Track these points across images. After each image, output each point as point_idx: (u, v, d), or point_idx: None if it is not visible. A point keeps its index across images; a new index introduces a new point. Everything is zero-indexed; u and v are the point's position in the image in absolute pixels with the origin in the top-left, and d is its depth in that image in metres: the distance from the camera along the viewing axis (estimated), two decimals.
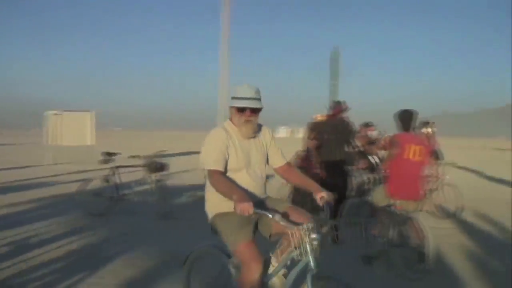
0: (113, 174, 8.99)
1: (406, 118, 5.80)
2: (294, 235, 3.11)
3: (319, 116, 7.76)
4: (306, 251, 3.08)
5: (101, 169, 9.91)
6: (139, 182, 9.16)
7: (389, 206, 5.73)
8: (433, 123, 9.10)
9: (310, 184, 3.62)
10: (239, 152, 3.49)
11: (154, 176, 8.93)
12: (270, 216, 3.08)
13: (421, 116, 6.55)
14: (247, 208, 2.99)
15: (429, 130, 8.87)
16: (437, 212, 9.10)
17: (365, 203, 6.41)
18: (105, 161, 9.07)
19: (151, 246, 6.61)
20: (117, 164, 9.10)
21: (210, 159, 3.39)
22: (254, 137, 3.60)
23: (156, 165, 8.90)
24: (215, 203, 3.57)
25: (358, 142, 8.15)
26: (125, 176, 9.40)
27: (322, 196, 3.42)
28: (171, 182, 13.23)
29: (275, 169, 3.78)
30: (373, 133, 8.32)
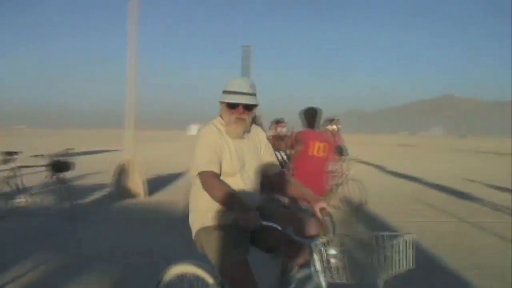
0: (14, 175, 8.56)
1: (310, 116, 5.96)
2: (308, 252, 2.72)
3: None
4: (318, 270, 2.66)
5: (0, 170, 9.43)
6: (43, 183, 8.77)
7: (295, 202, 5.86)
8: (338, 120, 9.42)
9: (307, 194, 3.17)
10: (233, 154, 3.06)
11: (59, 176, 8.61)
12: (280, 229, 2.68)
13: (327, 114, 6.75)
14: (253, 220, 2.58)
15: (334, 127, 9.17)
16: (342, 207, 9.43)
17: (272, 200, 6.52)
18: (5, 161, 8.60)
19: (54, 249, 6.35)
20: (18, 164, 8.67)
21: (203, 160, 2.94)
22: (245, 137, 3.18)
23: (61, 165, 8.57)
24: (203, 214, 3.06)
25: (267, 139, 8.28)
26: (28, 177, 8.99)
27: (322, 207, 2.97)
28: (78, 182, 12.84)
29: (267, 176, 3.29)
30: (283, 130, 8.47)
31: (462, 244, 6.98)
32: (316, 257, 2.66)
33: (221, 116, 3.16)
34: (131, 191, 11.02)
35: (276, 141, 8.32)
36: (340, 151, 9.22)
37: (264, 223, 2.62)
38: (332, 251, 2.60)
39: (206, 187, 2.90)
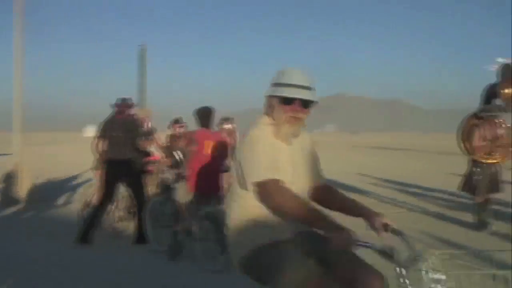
0: None
1: (204, 115, 5.99)
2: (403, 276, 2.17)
3: None
4: None
5: None
6: None
7: (191, 201, 5.86)
8: (233, 118, 9.52)
9: (360, 207, 2.66)
10: (286, 162, 2.52)
11: None
12: (374, 247, 2.23)
13: (226, 113, 6.79)
14: (350, 239, 2.15)
15: (230, 126, 9.25)
16: None
17: (168, 200, 6.48)
18: None
19: None
20: None
21: (263, 167, 2.38)
22: (294, 141, 2.63)
23: None
24: (258, 230, 2.47)
25: (165, 139, 8.27)
26: None
27: (385, 223, 2.47)
28: None
29: (310, 189, 2.74)
30: (181, 130, 8.45)
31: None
32: (407, 282, 2.14)
33: (268, 114, 2.62)
34: (19, 197, 10.44)
35: (173, 141, 8.31)
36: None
37: (360, 243, 2.22)
38: (436, 275, 2.05)
39: (274, 199, 2.36)
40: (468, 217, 7.96)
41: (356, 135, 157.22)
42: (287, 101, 2.49)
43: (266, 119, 2.59)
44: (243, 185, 2.49)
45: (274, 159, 2.42)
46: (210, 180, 5.83)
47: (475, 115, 7.51)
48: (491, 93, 7.30)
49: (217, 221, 5.57)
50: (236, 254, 2.55)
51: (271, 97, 2.57)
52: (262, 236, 2.46)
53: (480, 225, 7.33)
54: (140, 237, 6.69)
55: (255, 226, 2.47)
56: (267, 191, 2.36)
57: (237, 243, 2.54)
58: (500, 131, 7.26)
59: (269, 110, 2.59)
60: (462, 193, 7.84)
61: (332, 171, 18.19)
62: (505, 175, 7.49)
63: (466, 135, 7.51)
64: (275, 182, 2.36)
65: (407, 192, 12.09)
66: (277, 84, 2.54)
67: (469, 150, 7.46)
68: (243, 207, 2.52)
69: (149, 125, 8.06)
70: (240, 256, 2.51)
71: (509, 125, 7.29)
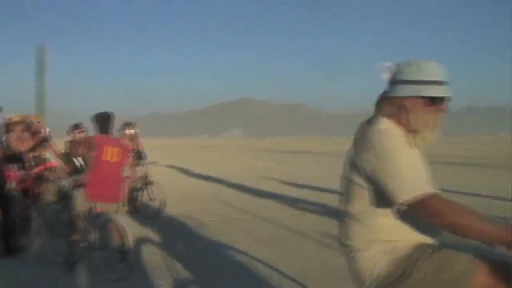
0: None
1: (103, 120, 5.89)
2: None
3: (15, 117, 7.31)
4: None
5: None
6: None
7: (90, 209, 5.70)
8: (135, 123, 9.39)
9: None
10: (427, 171, 2.19)
11: None
12: None
13: (128, 117, 6.66)
14: None
15: (132, 131, 9.12)
16: (141, 211, 9.36)
17: (65, 209, 6.25)
18: None
19: None
20: None
21: (416, 180, 2.00)
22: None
23: None
24: (398, 243, 2.17)
25: (64, 145, 7.98)
26: None
27: None
28: None
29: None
30: (81, 135, 8.22)
31: (257, 236, 7.48)
32: None
33: (389, 116, 2.24)
34: None
35: (73, 147, 8.05)
36: (138, 155, 9.20)
37: None
38: None
39: (446, 215, 1.92)
40: None
41: (263, 139, 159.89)
42: (430, 100, 2.11)
43: (390, 123, 2.21)
44: (378, 203, 2.17)
45: (422, 170, 2.10)
46: (110, 186, 5.71)
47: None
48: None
49: (114, 229, 5.48)
50: (372, 273, 2.21)
51: (406, 98, 2.16)
52: (400, 250, 2.17)
53: None
54: (9, 249, 6.33)
55: (393, 242, 2.18)
56: (433, 207, 1.96)
57: (372, 261, 2.20)
58: None
59: (403, 113, 2.18)
60: None
61: (238, 174, 18.46)
62: None
63: None
64: (436, 195, 1.98)
65: (307, 194, 12.42)
66: (417, 82, 2.12)
67: None
68: (375, 226, 2.21)
69: (47, 131, 7.74)
70: (377, 274, 2.19)
71: None
